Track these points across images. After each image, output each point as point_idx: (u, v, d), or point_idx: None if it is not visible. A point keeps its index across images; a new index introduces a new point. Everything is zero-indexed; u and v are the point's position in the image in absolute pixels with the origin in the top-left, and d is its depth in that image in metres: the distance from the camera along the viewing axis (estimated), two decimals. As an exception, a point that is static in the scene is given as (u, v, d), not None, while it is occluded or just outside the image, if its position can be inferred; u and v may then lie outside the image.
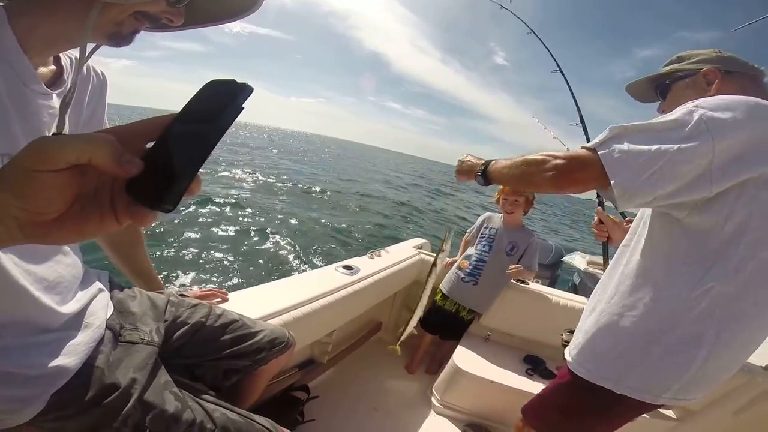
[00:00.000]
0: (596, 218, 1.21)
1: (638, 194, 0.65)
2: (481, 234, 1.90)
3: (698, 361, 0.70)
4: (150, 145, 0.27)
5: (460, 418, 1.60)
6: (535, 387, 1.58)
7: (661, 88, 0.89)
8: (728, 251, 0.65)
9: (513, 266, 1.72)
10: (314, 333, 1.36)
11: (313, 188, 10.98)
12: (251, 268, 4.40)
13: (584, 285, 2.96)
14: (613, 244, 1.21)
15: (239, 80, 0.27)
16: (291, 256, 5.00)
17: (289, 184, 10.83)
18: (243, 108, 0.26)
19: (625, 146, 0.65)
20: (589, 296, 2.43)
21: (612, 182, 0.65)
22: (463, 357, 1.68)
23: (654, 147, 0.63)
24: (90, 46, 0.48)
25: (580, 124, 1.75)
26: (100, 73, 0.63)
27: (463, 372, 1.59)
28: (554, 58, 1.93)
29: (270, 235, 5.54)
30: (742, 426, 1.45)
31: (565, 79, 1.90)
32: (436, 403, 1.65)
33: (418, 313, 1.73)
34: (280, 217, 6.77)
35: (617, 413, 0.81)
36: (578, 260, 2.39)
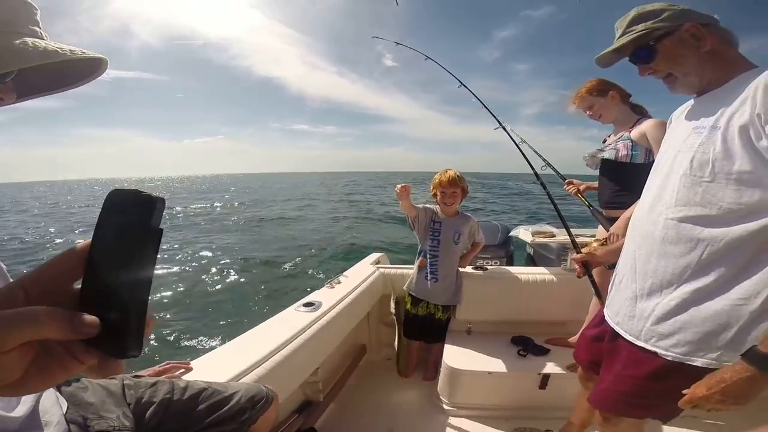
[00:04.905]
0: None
1: None
2: (427, 228, 1.86)
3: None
4: (78, 285, 0.26)
5: (478, 414, 1.58)
6: (533, 366, 1.60)
7: (641, 51, 0.86)
8: None
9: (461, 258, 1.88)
10: (296, 377, 1.28)
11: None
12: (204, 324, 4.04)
13: (539, 255, 3.10)
14: (593, 265, 1.21)
15: (144, 191, 0.25)
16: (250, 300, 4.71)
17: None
18: (162, 229, 0.25)
19: None
20: (546, 265, 2.50)
21: None
22: (453, 356, 1.67)
23: None
24: None
25: (500, 126, 1.92)
26: None
27: (458, 371, 1.58)
28: (455, 77, 2.04)
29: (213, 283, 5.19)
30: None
31: (473, 93, 1.98)
32: (447, 407, 1.62)
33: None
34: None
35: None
36: (523, 233, 2.52)
